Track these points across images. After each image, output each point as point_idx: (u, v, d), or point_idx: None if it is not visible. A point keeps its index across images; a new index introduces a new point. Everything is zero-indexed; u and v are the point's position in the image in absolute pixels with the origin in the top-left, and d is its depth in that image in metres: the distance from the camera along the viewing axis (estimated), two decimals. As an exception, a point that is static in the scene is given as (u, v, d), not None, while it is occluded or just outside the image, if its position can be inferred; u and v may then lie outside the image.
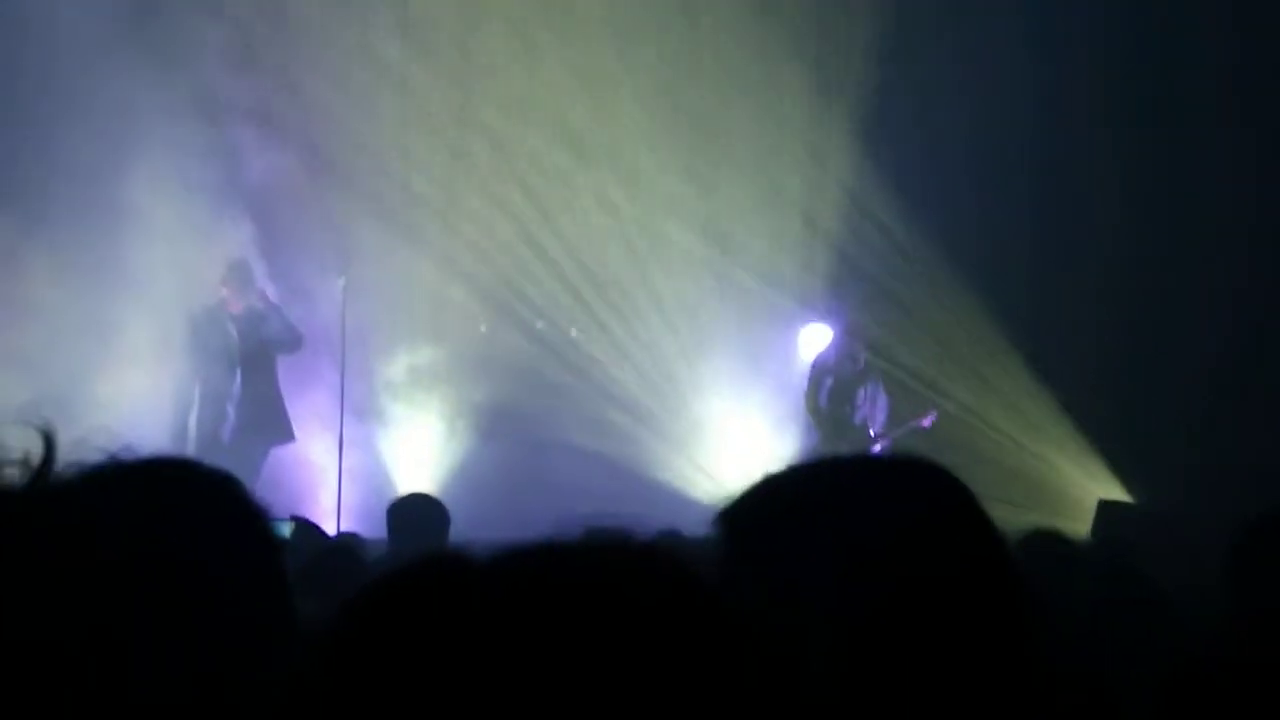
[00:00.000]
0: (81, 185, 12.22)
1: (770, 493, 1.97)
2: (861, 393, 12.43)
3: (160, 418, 11.74)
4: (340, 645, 1.25)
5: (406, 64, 13.22)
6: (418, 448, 13.22)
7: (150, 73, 12.14)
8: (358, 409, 12.83)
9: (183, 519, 1.78)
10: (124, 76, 12.08)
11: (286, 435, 12.13)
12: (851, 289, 13.09)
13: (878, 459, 2.01)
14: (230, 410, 11.87)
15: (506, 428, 13.28)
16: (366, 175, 13.18)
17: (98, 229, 12.20)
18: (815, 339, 13.32)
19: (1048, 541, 4.76)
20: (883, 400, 12.46)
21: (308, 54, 12.89)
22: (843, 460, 2.05)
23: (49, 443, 1.74)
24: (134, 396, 11.97)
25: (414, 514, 7.90)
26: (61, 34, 12.20)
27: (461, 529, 7.84)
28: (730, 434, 13.40)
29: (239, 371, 11.90)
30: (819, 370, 12.63)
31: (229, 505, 1.81)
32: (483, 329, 13.67)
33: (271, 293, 12.34)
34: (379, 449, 13.09)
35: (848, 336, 12.65)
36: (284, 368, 12.34)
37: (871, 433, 12.36)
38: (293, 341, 12.12)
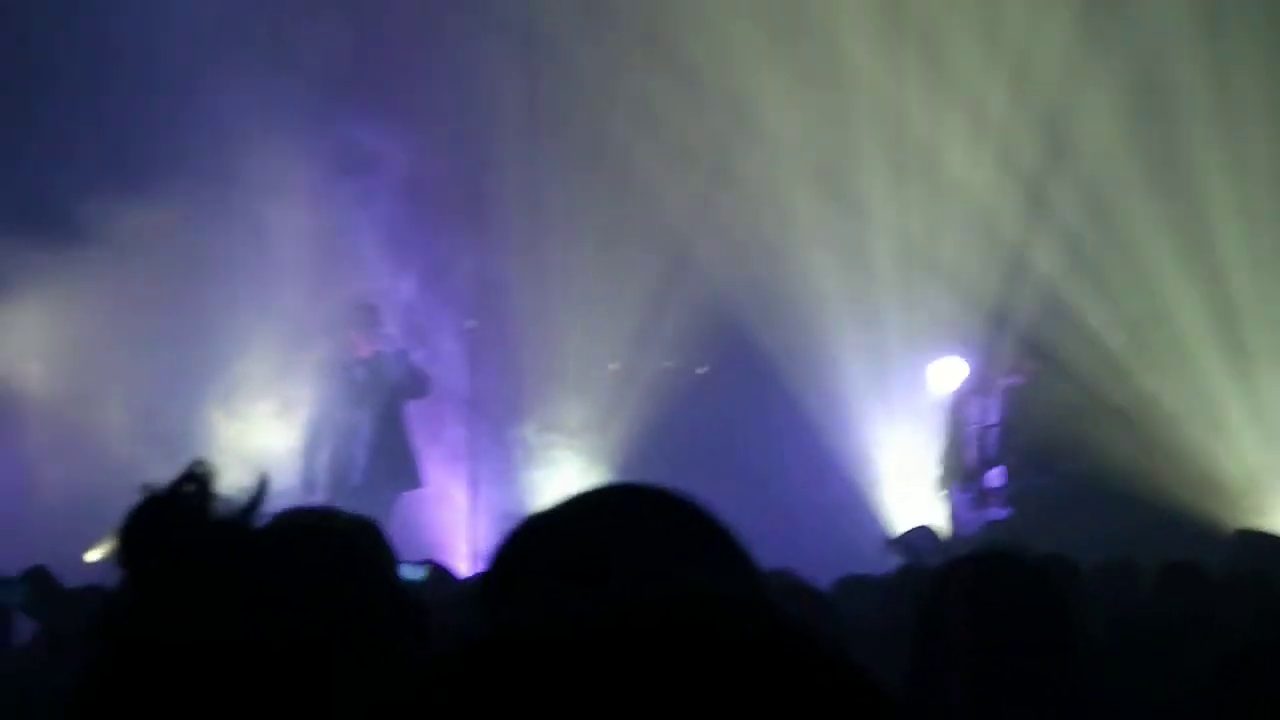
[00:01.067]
0: (208, 230, 12.38)
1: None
2: (997, 438, 12.16)
3: (290, 463, 11.82)
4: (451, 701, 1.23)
5: (534, 98, 13.28)
6: (553, 487, 13.26)
7: (283, 116, 12.30)
8: (491, 450, 12.90)
9: (328, 569, 1.80)
10: (256, 121, 12.24)
11: (415, 482, 12.15)
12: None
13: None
14: (360, 455, 11.92)
15: (640, 466, 13.29)
16: (496, 213, 13.26)
17: (225, 268, 12.36)
18: (948, 374, 13.08)
19: (1182, 573, 4.66)
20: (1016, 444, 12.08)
21: (434, 94, 12.99)
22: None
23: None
24: (263, 441, 12.10)
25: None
26: (195, 92, 12.41)
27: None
28: (867, 473, 13.26)
29: (368, 416, 11.94)
30: (955, 411, 12.36)
31: (371, 555, 1.83)
32: (612, 366, 13.70)
33: (399, 336, 12.41)
34: (514, 489, 13.12)
35: (982, 376, 12.31)
36: (417, 410, 12.42)
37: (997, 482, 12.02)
38: (419, 386, 12.16)
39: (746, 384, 13.35)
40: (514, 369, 13.25)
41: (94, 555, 11.02)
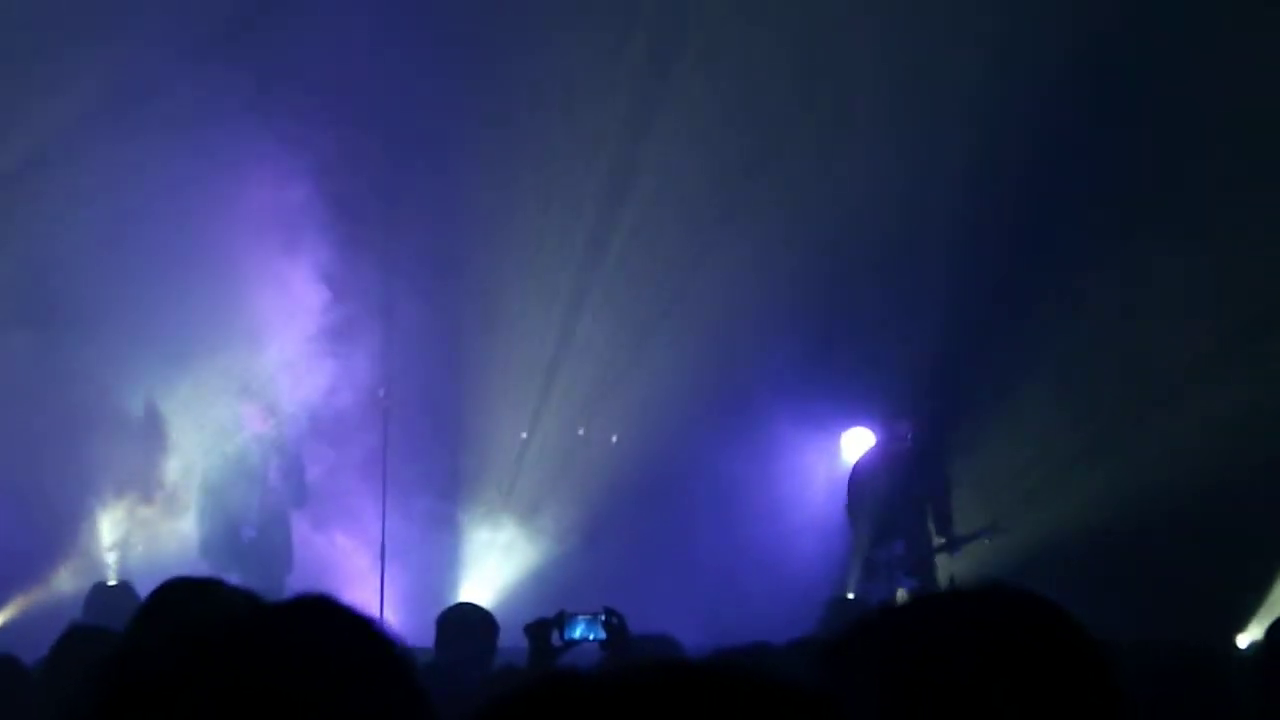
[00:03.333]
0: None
1: (875, 636, 2.04)
2: (902, 509, 12.20)
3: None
4: None
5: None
6: (463, 556, 13.27)
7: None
8: (403, 517, 12.90)
9: (329, 660, 1.84)
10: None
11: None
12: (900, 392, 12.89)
13: (976, 596, 2.03)
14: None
15: (552, 533, 13.33)
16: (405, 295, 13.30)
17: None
18: (858, 443, 13.21)
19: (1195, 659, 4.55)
20: (921, 514, 12.19)
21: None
22: (944, 600, 2.12)
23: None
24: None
25: (463, 623, 7.96)
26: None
27: (512, 638, 7.89)
28: (774, 539, 13.33)
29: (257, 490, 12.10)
30: (856, 484, 12.41)
31: (372, 643, 1.87)
32: (523, 435, 13.75)
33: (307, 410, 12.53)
34: (425, 558, 13.12)
35: (892, 440, 12.41)
36: (331, 475, 12.53)
37: (901, 549, 12.10)
38: (298, 497, 12.26)
39: (659, 452, 13.40)
40: (424, 436, 13.26)
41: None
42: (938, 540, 12.08)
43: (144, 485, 12.68)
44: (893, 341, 13.17)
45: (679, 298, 13.43)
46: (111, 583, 10.79)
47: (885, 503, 12.10)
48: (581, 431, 13.76)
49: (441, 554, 13.20)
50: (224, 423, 12.38)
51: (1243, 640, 11.16)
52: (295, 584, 12.04)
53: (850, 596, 11.50)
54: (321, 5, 12.90)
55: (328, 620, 1.90)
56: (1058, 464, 12.85)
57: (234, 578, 9.70)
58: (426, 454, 13.22)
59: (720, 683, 1.33)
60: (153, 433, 12.62)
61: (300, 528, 12.64)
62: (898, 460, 12.19)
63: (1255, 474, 12.12)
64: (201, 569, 11.13)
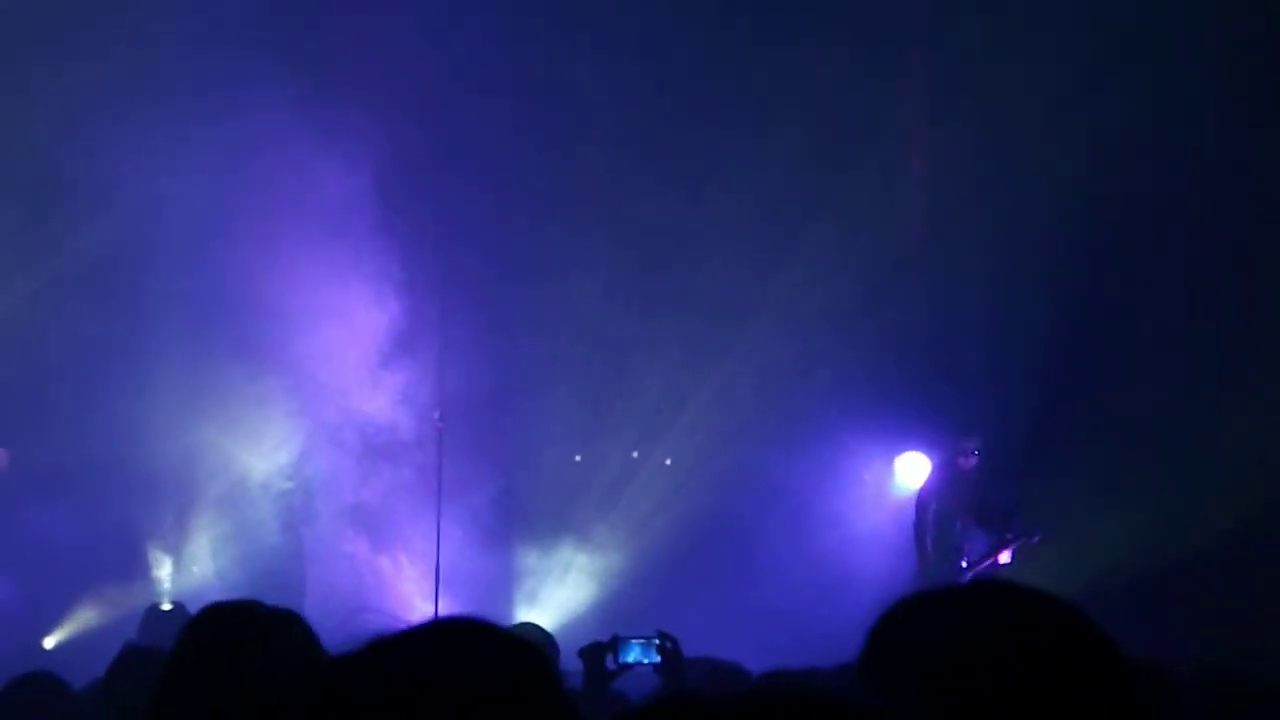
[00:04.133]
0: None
1: (905, 620, 2.06)
2: (958, 524, 12.31)
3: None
4: None
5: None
6: (518, 577, 13.29)
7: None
8: (456, 540, 12.94)
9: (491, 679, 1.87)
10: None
11: None
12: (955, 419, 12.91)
13: (989, 588, 2.10)
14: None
15: (606, 554, 13.34)
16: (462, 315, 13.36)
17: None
18: (914, 468, 13.21)
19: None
20: (981, 532, 12.26)
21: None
22: (966, 590, 2.14)
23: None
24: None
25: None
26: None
27: (566, 660, 7.87)
28: (823, 563, 13.32)
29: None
30: (922, 504, 12.49)
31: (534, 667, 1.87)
32: (577, 459, 13.77)
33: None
34: (481, 579, 13.14)
35: (948, 470, 12.50)
36: (386, 493, 12.62)
37: (965, 563, 12.18)
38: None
39: (712, 475, 13.39)
40: (479, 459, 13.31)
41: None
42: (994, 548, 12.08)
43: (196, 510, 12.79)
44: (951, 361, 13.13)
45: (733, 320, 13.43)
46: (166, 606, 10.86)
47: (951, 521, 12.15)
48: (636, 454, 13.77)
49: (496, 575, 13.21)
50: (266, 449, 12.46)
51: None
52: (352, 604, 12.10)
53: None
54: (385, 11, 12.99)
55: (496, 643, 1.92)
56: (1120, 483, 12.73)
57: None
58: (482, 476, 13.26)
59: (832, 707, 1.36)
60: (206, 459, 12.72)
61: (359, 548, 12.70)
62: (963, 478, 12.24)
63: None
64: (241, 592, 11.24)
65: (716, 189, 13.18)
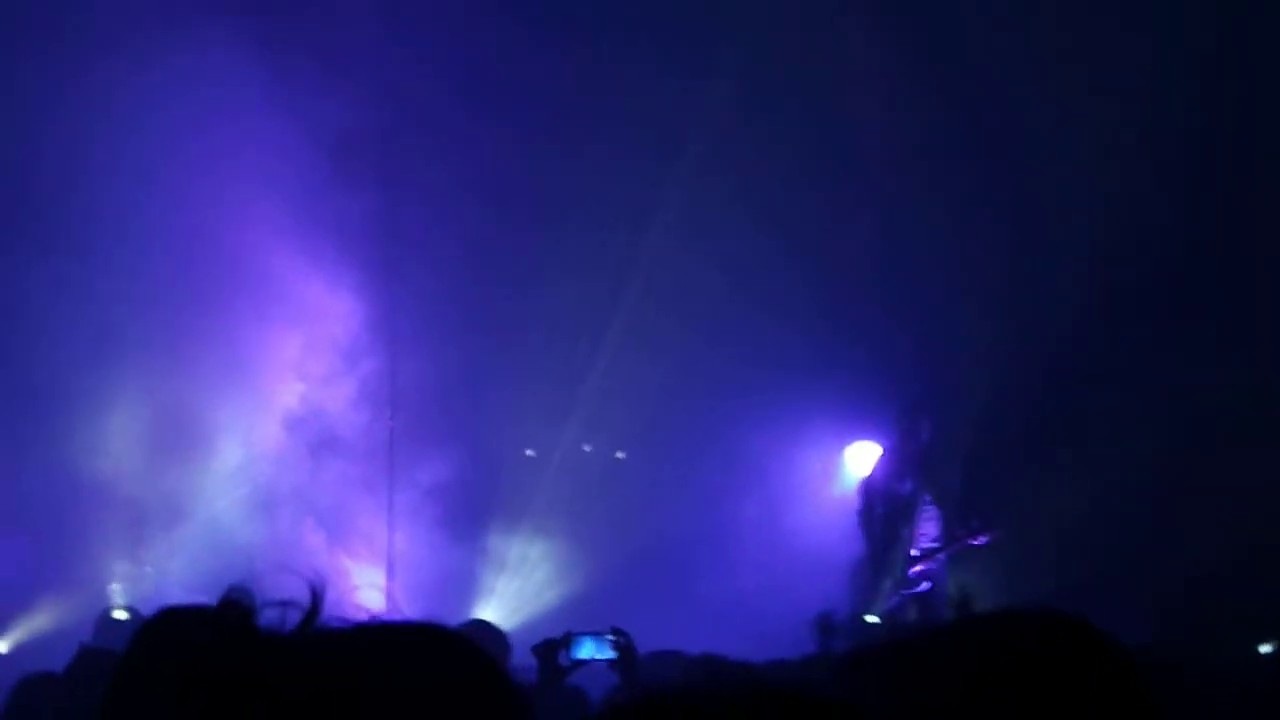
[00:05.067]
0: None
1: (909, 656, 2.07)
2: (910, 509, 12.32)
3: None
4: None
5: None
6: (471, 573, 13.30)
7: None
8: (410, 537, 12.96)
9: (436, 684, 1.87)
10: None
11: None
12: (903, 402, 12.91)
13: (1014, 620, 2.06)
14: None
15: (555, 552, 13.36)
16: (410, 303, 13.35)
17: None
18: (863, 457, 13.24)
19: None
20: (933, 515, 12.22)
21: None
22: (983, 623, 2.14)
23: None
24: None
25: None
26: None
27: (519, 655, 7.88)
28: (772, 556, 13.36)
29: None
30: (869, 491, 12.44)
31: (478, 671, 1.87)
32: (529, 453, 13.78)
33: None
34: (433, 575, 13.15)
35: (898, 454, 12.44)
36: (340, 490, 12.64)
37: (916, 551, 12.12)
38: None
39: (663, 468, 13.43)
40: (431, 456, 13.31)
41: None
42: (945, 541, 12.06)
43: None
44: (897, 348, 13.17)
45: (681, 317, 13.43)
46: (120, 615, 10.81)
47: (897, 507, 12.13)
48: (588, 448, 13.79)
49: (450, 571, 13.22)
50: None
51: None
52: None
53: (869, 619, 11.48)
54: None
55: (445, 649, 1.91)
56: (1066, 465, 12.80)
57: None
58: (434, 472, 13.26)
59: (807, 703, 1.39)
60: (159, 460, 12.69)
61: (316, 543, 12.70)
62: (911, 462, 12.21)
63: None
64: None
65: (668, 180, 13.20)
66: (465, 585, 13.25)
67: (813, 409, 13.42)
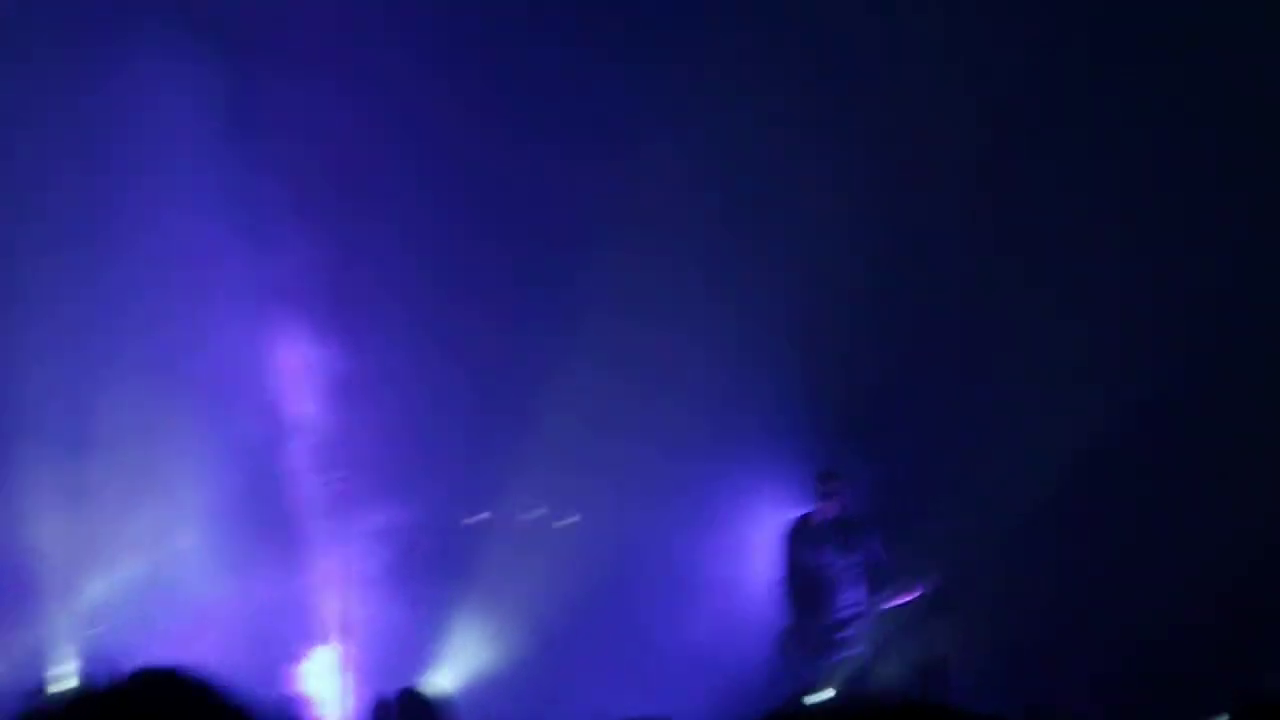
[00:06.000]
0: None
1: None
2: (834, 578, 12.12)
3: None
4: None
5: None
6: (423, 637, 13.25)
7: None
8: (358, 598, 12.92)
9: None
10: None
11: None
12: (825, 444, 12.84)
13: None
14: None
15: (510, 613, 13.31)
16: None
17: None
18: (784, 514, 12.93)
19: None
20: (857, 579, 12.17)
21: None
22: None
23: None
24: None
25: (419, 711, 7.99)
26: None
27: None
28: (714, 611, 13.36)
29: None
30: (789, 560, 12.28)
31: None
32: (484, 516, 13.75)
33: None
34: (385, 641, 13.09)
35: (821, 504, 12.27)
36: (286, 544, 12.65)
37: (840, 616, 12.02)
38: None
39: (612, 530, 13.41)
40: (382, 519, 13.28)
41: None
42: (874, 603, 12.01)
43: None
44: (824, 405, 13.17)
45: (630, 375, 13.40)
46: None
47: (816, 571, 12.06)
48: (541, 511, 13.78)
49: (401, 636, 13.16)
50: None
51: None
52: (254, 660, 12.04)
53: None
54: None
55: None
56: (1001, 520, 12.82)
57: None
58: (385, 535, 13.23)
59: None
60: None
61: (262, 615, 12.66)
62: (826, 527, 12.14)
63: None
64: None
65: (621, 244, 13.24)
66: (414, 648, 13.19)
67: (760, 472, 13.39)
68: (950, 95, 12.72)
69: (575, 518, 13.74)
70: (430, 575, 13.45)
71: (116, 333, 12.41)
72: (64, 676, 11.71)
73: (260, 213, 12.54)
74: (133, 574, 12.64)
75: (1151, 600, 11.90)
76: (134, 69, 12.23)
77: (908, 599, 11.91)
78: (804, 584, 12.11)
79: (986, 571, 12.42)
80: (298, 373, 12.98)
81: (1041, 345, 12.63)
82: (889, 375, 13.08)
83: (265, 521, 12.99)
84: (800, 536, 12.25)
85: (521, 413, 13.25)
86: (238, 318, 12.73)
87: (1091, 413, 12.33)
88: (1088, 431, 12.33)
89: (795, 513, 12.50)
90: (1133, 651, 11.84)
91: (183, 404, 12.72)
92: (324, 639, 12.75)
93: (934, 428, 12.97)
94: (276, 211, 12.61)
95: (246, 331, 12.78)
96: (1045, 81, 12.71)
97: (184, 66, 12.28)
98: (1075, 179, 12.78)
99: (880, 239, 12.85)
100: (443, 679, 12.02)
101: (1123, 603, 12.13)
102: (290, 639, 12.73)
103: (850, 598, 12.01)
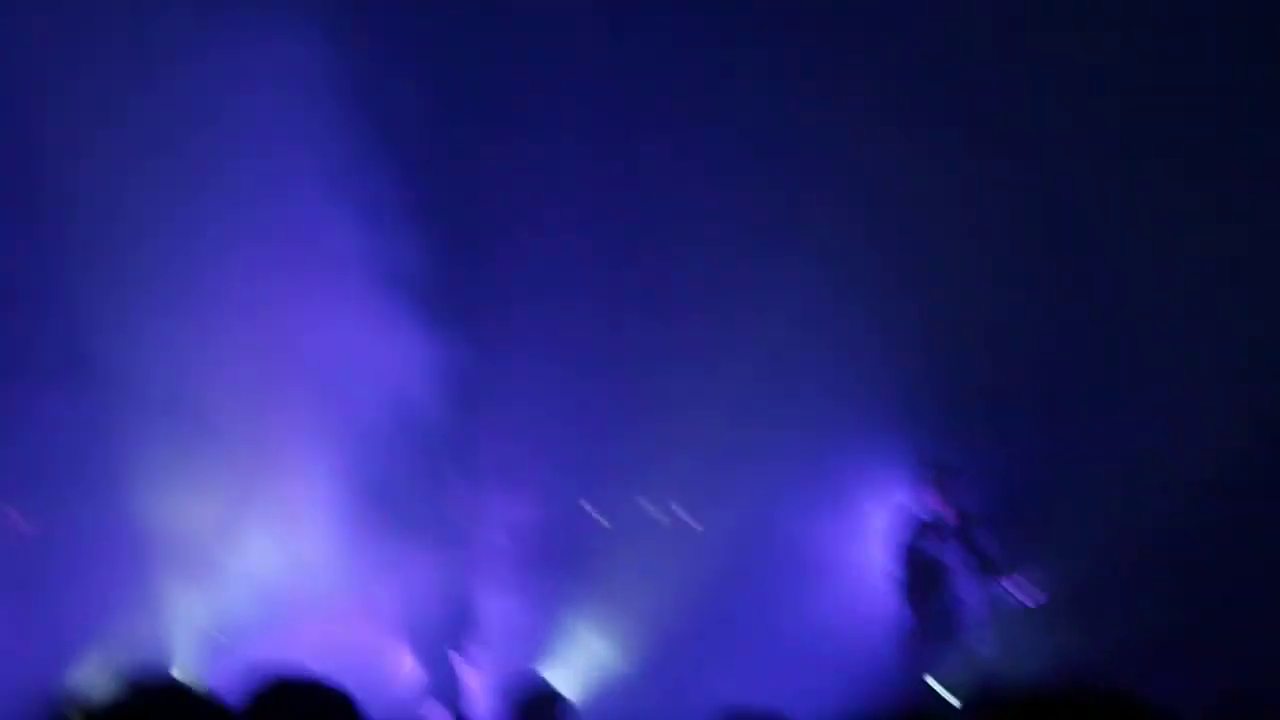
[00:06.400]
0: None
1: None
2: (955, 575, 12.06)
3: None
4: None
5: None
6: (546, 636, 13.25)
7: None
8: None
9: None
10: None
11: None
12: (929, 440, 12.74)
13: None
14: None
15: (636, 616, 13.29)
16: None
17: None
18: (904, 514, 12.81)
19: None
20: (977, 576, 12.02)
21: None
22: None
23: None
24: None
25: (542, 708, 7.94)
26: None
27: None
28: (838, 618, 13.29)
29: None
30: (907, 557, 12.22)
31: None
32: (587, 507, 13.74)
33: None
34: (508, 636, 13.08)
35: (942, 504, 12.22)
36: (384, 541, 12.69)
37: (962, 615, 11.90)
38: None
39: (727, 532, 13.33)
40: (510, 519, 13.30)
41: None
42: (990, 603, 11.87)
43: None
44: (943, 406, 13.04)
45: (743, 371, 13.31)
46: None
47: (933, 565, 11.95)
48: (648, 506, 13.76)
49: (524, 633, 13.16)
50: None
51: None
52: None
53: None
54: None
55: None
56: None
57: None
58: (508, 530, 13.22)
59: None
60: None
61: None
62: (945, 521, 12.02)
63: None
64: None
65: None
66: (539, 647, 13.18)
67: (874, 464, 13.30)
68: (1088, 81, 12.51)
69: (699, 527, 13.69)
70: (553, 569, 13.45)
71: (238, 315, 12.49)
72: (183, 671, 11.77)
73: (387, 199, 12.56)
74: (253, 566, 12.74)
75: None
76: (260, 46, 12.26)
77: (1030, 598, 11.77)
78: (921, 577, 11.99)
79: (1114, 573, 12.23)
80: (421, 363, 13.00)
81: (1185, 341, 12.41)
82: (1019, 368, 12.94)
83: (386, 515, 13.03)
84: (918, 529, 12.11)
85: (646, 403, 13.19)
86: (363, 306, 12.76)
87: (1232, 414, 12.09)
88: (1227, 432, 12.09)
89: (914, 505, 12.37)
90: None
91: (304, 392, 12.78)
92: (448, 636, 12.76)
93: (1063, 424, 12.81)
94: (403, 198, 12.63)
95: (371, 319, 12.80)
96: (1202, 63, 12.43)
97: (310, 44, 12.30)
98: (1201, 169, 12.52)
99: (1003, 224, 12.71)
100: (564, 673, 12.00)
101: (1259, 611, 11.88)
102: (414, 636, 12.75)
103: (969, 593, 11.89)
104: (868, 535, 13.42)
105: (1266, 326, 12.24)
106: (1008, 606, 11.77)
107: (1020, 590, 11.76)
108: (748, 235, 13.11)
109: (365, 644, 12.57)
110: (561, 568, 13.42)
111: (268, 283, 12.47)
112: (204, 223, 12.31)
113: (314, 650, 11.20)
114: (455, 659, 12.50)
